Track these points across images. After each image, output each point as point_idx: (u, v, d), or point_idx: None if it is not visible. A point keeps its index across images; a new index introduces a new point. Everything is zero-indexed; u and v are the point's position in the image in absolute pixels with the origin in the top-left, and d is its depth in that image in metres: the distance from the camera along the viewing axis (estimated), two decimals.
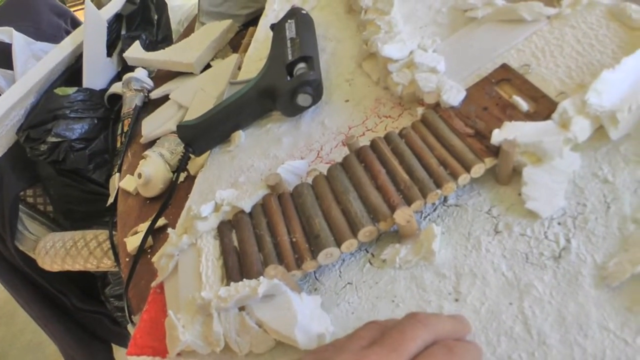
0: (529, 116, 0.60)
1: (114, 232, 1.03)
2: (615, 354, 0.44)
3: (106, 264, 1.17)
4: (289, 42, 0.83)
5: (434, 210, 0.60)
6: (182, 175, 0.92)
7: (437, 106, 0.66)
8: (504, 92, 0.64)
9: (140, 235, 0.83)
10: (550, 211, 0.54)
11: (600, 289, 0.47)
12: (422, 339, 0.42)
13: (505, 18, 0.72)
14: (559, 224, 0.53)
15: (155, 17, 1.52)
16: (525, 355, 0.46)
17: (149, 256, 0.81)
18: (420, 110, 0.67)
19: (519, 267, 0.52)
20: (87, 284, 1.46)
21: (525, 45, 0.69)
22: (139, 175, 0.91)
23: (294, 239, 0.59)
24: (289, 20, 0.88)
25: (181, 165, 0.83)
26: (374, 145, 0.64)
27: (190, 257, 0.63)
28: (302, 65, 0.79)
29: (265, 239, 0.60)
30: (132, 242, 0.84)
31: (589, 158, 0.56)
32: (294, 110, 0.79)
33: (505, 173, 0.58)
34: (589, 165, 0.56)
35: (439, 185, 0.57)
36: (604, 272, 0.48)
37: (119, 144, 1.15)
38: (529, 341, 0.47)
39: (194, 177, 0.83)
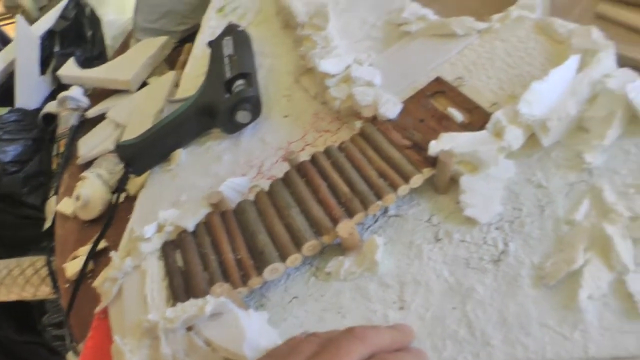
0: (464, 127, 0.62)
1: (51, 258, 1.01)
2: (555, 349, 0.46)
3: (44, 291, 1.13)
4: (226, 59, 0.84)
5: (376, 221, 0.61)
6: (121, 196, 0.90)
7: (374, 119, 0.67)
8: (439, 104, 0.66)
9: (80, 260, 0.81)
10: (488, 217, 0.56)
11: (539, 288, 0.50)
12: (358, 353, 0.43)
13: (438, 32, 0.74)
14: (496, 229, 0.55)
15: (89, 33, 1.49)
16: (470, 357, 0.48)
17: (89, 281, 0.79)
18: (358, 124, 0.68)
19: (461, 272, 0.53)
20: (22, 314, 1.41)
21: (458, 58, 0.71)
22: (77, 198, 0.89)
23: (238, 256, 0.59)
24: (226, 37, 0.88)
25: (120, 186, 0.82)
26: (314, 159, 0.64)
27: (134, 279, 0.62)
28: (240, 82, 0.79)
29: (209, 257, 0.60)
30: (72, 267, 0.82)
31: (523, 165, 0.59)
32: (233, 128, 0.80)
33: (443, 182, 0.59)
34: (523, 172, 0.58)
35: (379, 196, 0.58)
36: (541, 272, 0.50)
37: (54, 166, 1.12)
38: (474, 343, 0.49)
39: (134, 197, 0.82)
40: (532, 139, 0.59)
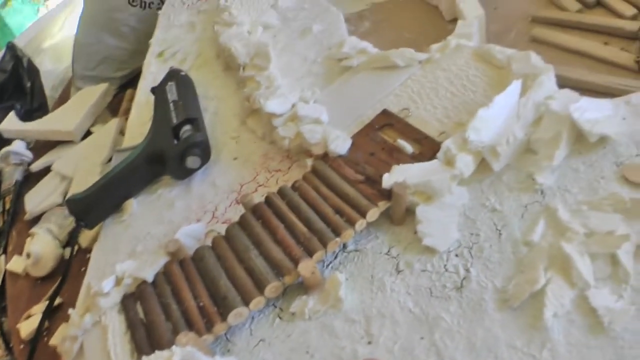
0: (415, 157, 0.63)
1: (3, 319, 0.98)
2: None
3: None
4: (171, 105, 0.83)
5: (335, 258, 0.61)
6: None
7: (325, 156, 0.67)
8: (388, 136, 0.66)
9: (35, 319, 0.79)
10: (446, 245, 0.57)
11: (504, 311, 0.50)
12: None
13: (380, 65, 0.76)
14: (456, 255, 0.56)
15: (28, 84, 1.46)
16: None
17: (45, 339, 0.77)
18: (309, 162, 0.68)
19: (425, 301, 0.54)
20: None
21: (402, 90, 0.72)
22: (28, 255, 0.87)
23: (201, 304, 0.58)
24: (169, 83, 0.88)
25: (72, 240, 0.80)
26: (269, 201, 0.64)
27: (95, 336, 0.61)
28: (187, 127, 0.79)
29: (171, 307, 0.59)
30: (27, 327, 0.79)
31: (476, 190, 0.60)
32: (183, 173, 0.79)
33: (400, 214, 0.60)
34: (476, 197, 0.59)
35: (337, 233, 0.58)
36: (504, 294, 0.51)
37: (1, 224, 1.10)
38: None
39: (85, 250, 0.80)
40: (482, 165, 0.61)
